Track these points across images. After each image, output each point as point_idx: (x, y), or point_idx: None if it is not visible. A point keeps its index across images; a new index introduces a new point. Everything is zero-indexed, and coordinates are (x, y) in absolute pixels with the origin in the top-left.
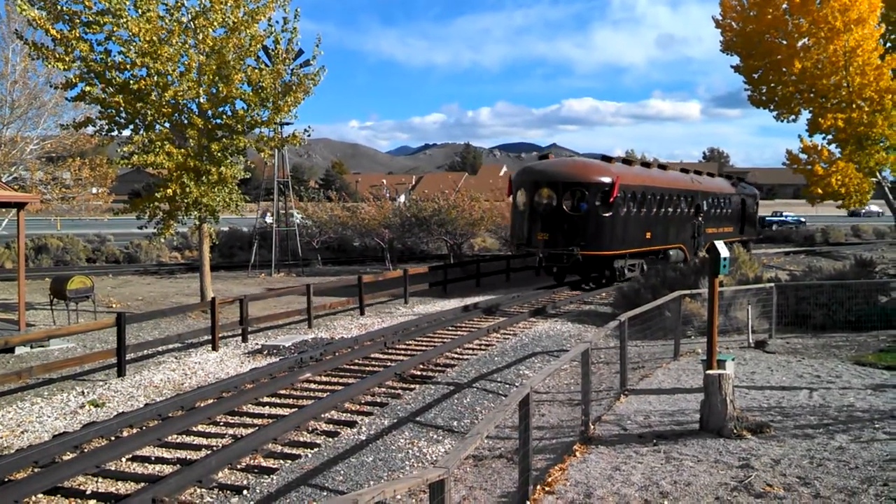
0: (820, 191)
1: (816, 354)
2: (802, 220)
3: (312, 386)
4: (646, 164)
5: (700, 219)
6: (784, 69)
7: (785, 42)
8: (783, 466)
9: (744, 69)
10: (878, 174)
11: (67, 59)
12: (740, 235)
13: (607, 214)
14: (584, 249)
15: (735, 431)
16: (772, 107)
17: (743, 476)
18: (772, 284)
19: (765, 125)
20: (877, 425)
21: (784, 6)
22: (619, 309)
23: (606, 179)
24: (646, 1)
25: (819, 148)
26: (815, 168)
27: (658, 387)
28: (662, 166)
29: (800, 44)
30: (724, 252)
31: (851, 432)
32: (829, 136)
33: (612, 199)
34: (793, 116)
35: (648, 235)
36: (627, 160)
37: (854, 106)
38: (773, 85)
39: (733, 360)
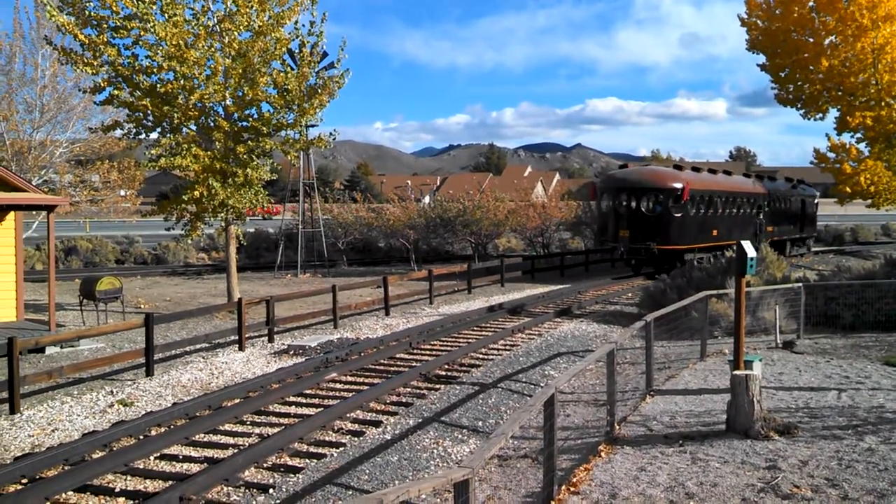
0: (849, 189)
1: (845, 355)
2: None
3: (338, 386)
4: (712, 171)
5: (761, 217)
6: (811, 67)
7: (812, 40)
8: (811, 468)
9: (770, 67)
10: None
11: (95, 63)
12: (800, 233)
13: (678, 215)
14: (659, 244)
15: (762, 432)
16: (799, 105)
17: (770, 477)
18: (800, 284)
19: (792, 123)
20: None
21: (810, 4)
22: (645, 309)
23: (678, 185)
24: (670, 0)
25: (847, 146)
26: (843, 167)
27: (684, 387)
28: (727, 172)
29: (827, 41)
30: (750, 252)
31: (881, 434)
32: (858, 135)
33: (682, 202)
34: (820, 115)
35: (714, 233)
36: (696, 168)
37: (883, 104)
38: (800, 83)
39: (761, 360)
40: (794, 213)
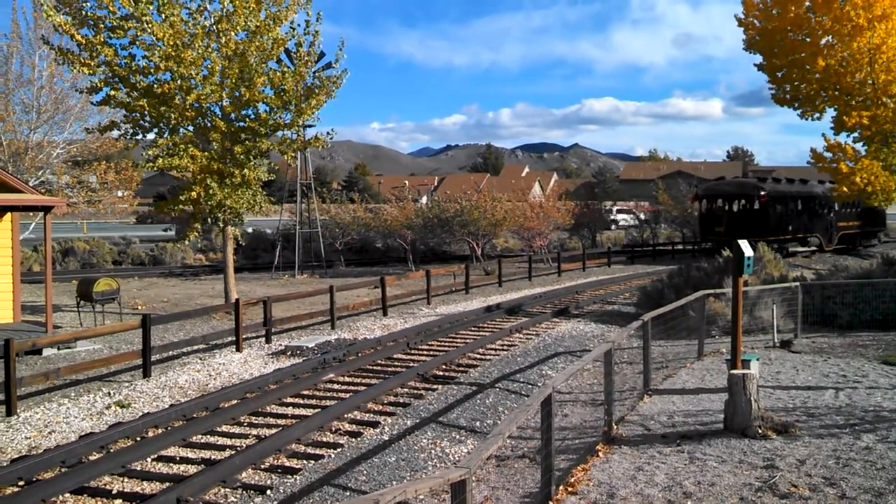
0: (845, 189)
1: (843, 354)
2: None
3: (335, 386)
4: (790, 181)
5: (832, 215)
6: (807, 67)
7: (808, 40)
8: (808, 467)
9: (767, 67)
10: None
11: (92, 63)
12: (869, 227)
13: (759, 215)
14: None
15: (760, 431)
16: (796, 105)
17: (768, 476)
18: (797, 283)
19: (789, 123)
20: None
21: (806, 4)
22: (643, 309)
23: (761, 192)
24: (665, 0)
25: (844, 146)
26: (839, 166)
27: (682, 387)
28: (804, 181)
29: (823, 41)
30: (748, 251)
31: (878, 432)
32: (854, 134)
33: (763, 204)
34: (817, 114)
35: (789, 228)
36: (776, 178)
37: (879, 103)
38: (796, 83)
39: (758, 359)
40: (864, 211)
